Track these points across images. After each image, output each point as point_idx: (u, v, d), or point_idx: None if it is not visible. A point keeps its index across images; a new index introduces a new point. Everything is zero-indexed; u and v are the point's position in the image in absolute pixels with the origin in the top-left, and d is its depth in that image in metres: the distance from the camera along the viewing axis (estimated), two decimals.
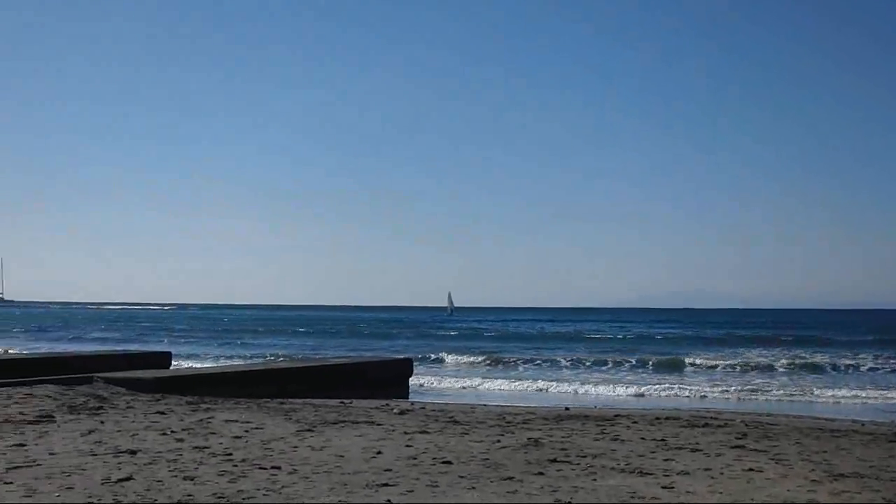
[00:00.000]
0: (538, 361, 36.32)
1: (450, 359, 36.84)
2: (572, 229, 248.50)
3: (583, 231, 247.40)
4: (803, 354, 40.29)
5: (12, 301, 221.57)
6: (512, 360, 36.82)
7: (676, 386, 25.62)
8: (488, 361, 35.93)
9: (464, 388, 25.07)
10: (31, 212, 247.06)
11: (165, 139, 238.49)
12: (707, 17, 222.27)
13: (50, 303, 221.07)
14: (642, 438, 10.86)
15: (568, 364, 35.23)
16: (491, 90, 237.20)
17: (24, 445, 9.33)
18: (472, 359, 36.68)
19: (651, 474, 8.09)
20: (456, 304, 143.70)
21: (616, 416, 14.08)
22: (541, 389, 24.97)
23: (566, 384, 26.59)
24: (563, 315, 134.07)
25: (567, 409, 16.32)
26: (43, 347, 43.28)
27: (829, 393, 24.26)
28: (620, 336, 60.07)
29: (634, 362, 36.01)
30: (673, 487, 7.46)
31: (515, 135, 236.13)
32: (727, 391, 24.55)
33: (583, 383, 26.70)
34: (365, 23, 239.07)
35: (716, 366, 34.29)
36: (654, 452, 9.60)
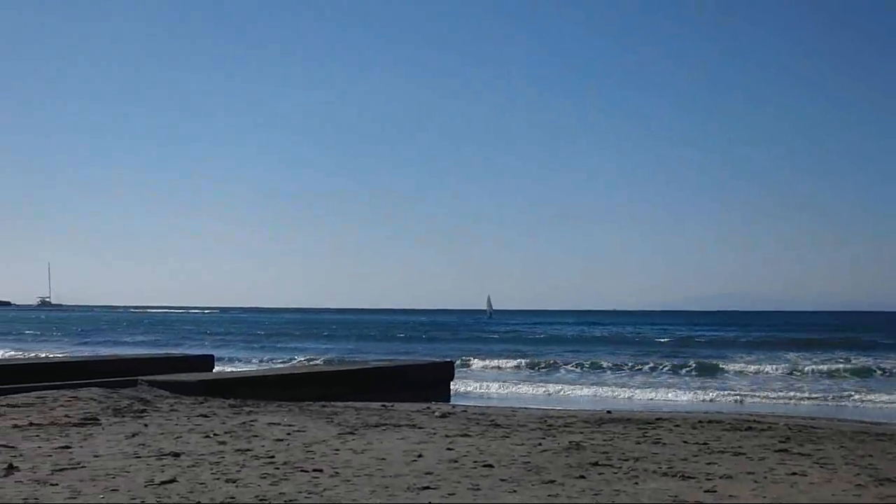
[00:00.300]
0: (580, 364, 36.17)
1: (491, 362, 36.74)
2: (612, 232, 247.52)
3: (621, 234, 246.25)
4: (847, 357, 39.88)
5: (60, 305, 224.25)
6: (554, 363, 36.68)
7: (718, 389, 25.44)
8: (530, 364, 35.83)
9: (505, 391, 24.99)
10: (78, 216, 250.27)
11: (199, 144, 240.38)
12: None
13: (95, 306, 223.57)
14: (684, 442, 10.78)
15: (610, 367, 35.05)
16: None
17: (69, 447, 9.43)
18: (513, 362, 36.58)
19: (693, 478, 8.03)
20: (495, 307, 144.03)
21: (658, 419, 13.98)
22: (583, 393, 24.84)
23: (608, 387, 26.49)
24: (604, 318, 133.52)
25: (609, 412, 16.24)
26: (87, 350, 43.65)
27: (874, 396, 23.99)
28: (663, 339, 59.70)
29: (676, 365, 35.75)
30: (715, 491, 7.41)
31: (537, 135, 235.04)
32: (770, 394, 24.33)
33: (624, 386, 26.56)
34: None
35: (758, 369, 33.98)
36: (696, 456, 9.54)
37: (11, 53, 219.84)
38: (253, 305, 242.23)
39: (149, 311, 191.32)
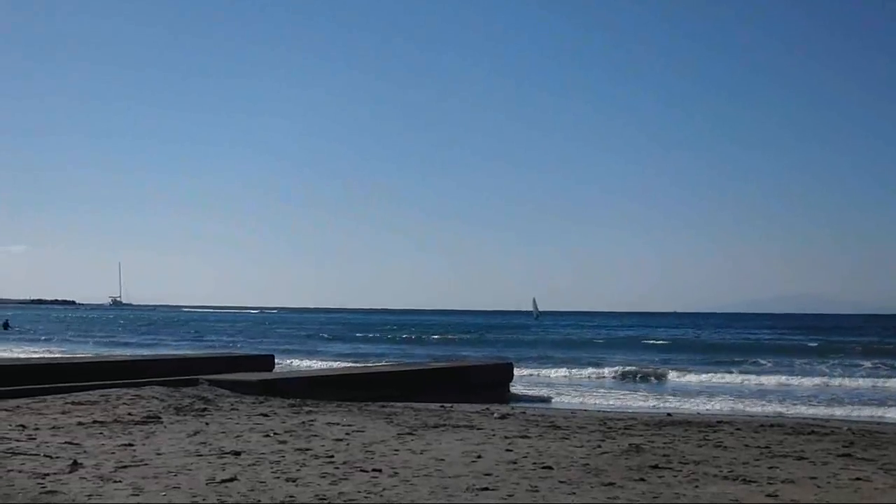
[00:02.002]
0: (637, 367, 35.88)
1: (548, 364, 36.52)
2: (669, 233, 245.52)
3: (681, 234, 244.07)
4: None
5: (130, 304, 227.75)
6: (611, 364, 36.38)
7: (777, 392, 25.13)
8: (587, 367, 35.52)
9: (563, 393, 24.85)
10: (149, 217, 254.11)
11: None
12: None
13: (162, 306, 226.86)
14: (746, 446, 10.67)
15: (670, 369, 34.68)
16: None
17: (131, 445, 9.55)
18: (569, 364, 36.30)
19: (755, 482, 7.94)
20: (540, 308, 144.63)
21: (719, 422, 13.86)
22: (643, 395, 24.63)
23: (670, 389, 26.27)
24: (661, 320, 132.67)
25: (669, 415, 16.13)
26: (151, 349, 44.21)
27: None
28: (725, 341, 59.03)
29: (737, 368, 35.33)
30: (777, 496, 7.32)
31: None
32: (833, 398, 23.96)
33: (683, 390, 26.32)
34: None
35: (821, 372, 33.46)
36: (757, 460, 9.43)
37: (85, 56, 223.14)
38: (314, 306, 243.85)
39: (212, 310, 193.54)
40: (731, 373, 32.60)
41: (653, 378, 30.83)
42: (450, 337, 65.90)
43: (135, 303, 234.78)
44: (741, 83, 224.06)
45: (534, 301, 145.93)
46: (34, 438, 9.84)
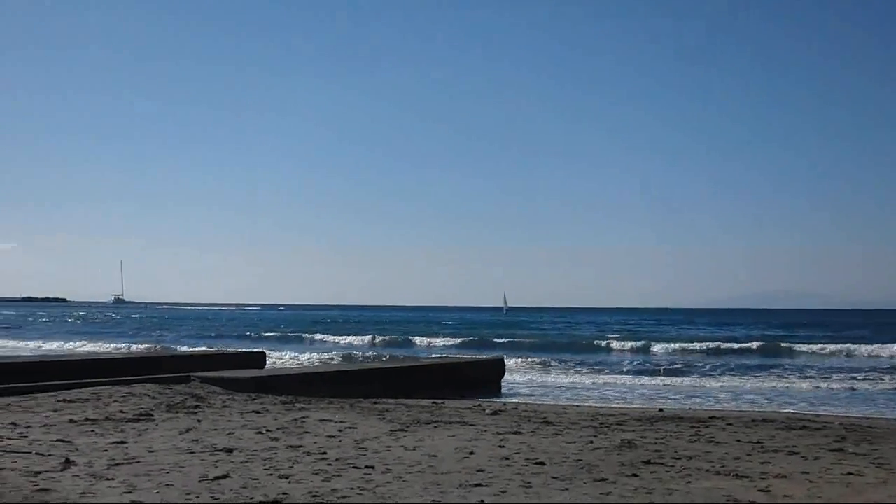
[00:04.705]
0: (618, 362, 35.93)
1: (527, 360, 36.43)
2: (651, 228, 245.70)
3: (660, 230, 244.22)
4: None
5: (132, 302, 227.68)
6: (591, 361, 36.39)
7: (769, 388, 25.17)
8: (571, 363, 35.46)
9: (553, 388, 24.87)
10: (148, 216, 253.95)
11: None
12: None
13: (163, 303, 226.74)
14: (738, 441, 10.71)
15: (654, 364, 34.71)
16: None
17: (124, 443, 9.55)
18: (550, 359, 36.22)
19: (747, 477, 7.97)
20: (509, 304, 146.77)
21: (711, 417, 13.91)
22: (630, 390, 24.65)
23: (657, 384, 26.29)
24: (625, 315, 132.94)
25: (661, 410, 16.18)
26: (144, 347, 44.15)
27: None
28: (704, 336, 58.99)
29: (722, 364, 35.35)
30: (770, 491, 7.34)
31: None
32: (823, 392, 24.02)
33: (673, 384, 26.35)
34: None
35: (809, 366, 33.53)
36: (749, 455, 9.46)
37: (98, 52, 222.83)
38: (314, 303, 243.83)
39: (212, 307, 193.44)
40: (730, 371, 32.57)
41: (642, 374, 30.80)
42: (433, 331, 65.64)
43: (137, 300, 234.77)
44: (760, 77, 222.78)
45: (504, 296, 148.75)
46: (26, 436, 9.82)
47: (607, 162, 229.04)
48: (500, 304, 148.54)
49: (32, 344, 48.06)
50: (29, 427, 10.58)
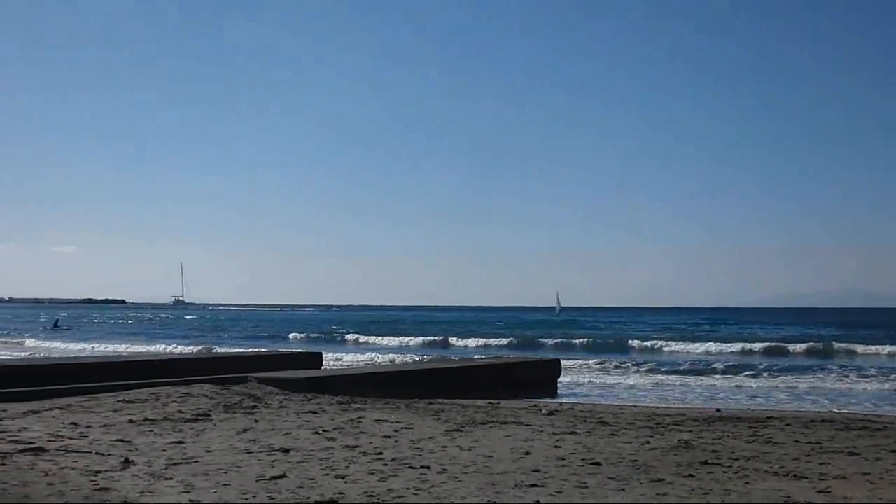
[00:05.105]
0: (674, 362, 35.60)
1: (587, 360, 36.26)
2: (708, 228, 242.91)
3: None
4: None
5: (192, 304, 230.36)
6: (652, 361, 36.12)
7: (828, 388, 24.82)
8: (627, 363, 35.21)
9: (610, 388, 24.73)
10: (209, 219, 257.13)
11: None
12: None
13: (219, 305, 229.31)
14: (796, 441, 10.58)
15: (715, 364, 34.36)
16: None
17: (182, 443, 9.63)
18: (607, 360, 36.01)
19: (806, 478, 7.86)
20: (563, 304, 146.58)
21: (769, 418, 13.75)
22: (689, 390, 24.43)
23: (714, 384, 26.06)
24: (678, 315, 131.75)
25: (718, 410, 16.02)
26: (203, 348, 44.57)
27: None
28: (761, 335, 58.31)
29: (779, 363, 34.93)
30: (829, 492, 7.24)
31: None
32: (885, 393, 23.64)
33: (730, 384, 26.08)
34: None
35: (869, 367, 32.97)
36: (808, 456, 9.34)
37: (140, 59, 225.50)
38: (363, 303, 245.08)
39: (270, 309, 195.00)
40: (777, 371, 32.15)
41: (700, 374, 30.51)
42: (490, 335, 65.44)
43: (197, 302, 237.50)
44: (798, 68, 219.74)
45: (557, 296, 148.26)
46: (86, 436, 9.95)
47: (656, 160, 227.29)
48: (553, 305, 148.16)
49: (81, 346, 48.66)
50: (89, 427, 10.72)
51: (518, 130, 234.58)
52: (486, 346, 49.60)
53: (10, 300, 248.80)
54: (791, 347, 44.84)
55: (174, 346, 47.02)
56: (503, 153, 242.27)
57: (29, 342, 52.75)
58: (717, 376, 28.90)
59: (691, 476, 7.91)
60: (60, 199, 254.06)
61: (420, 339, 54.28)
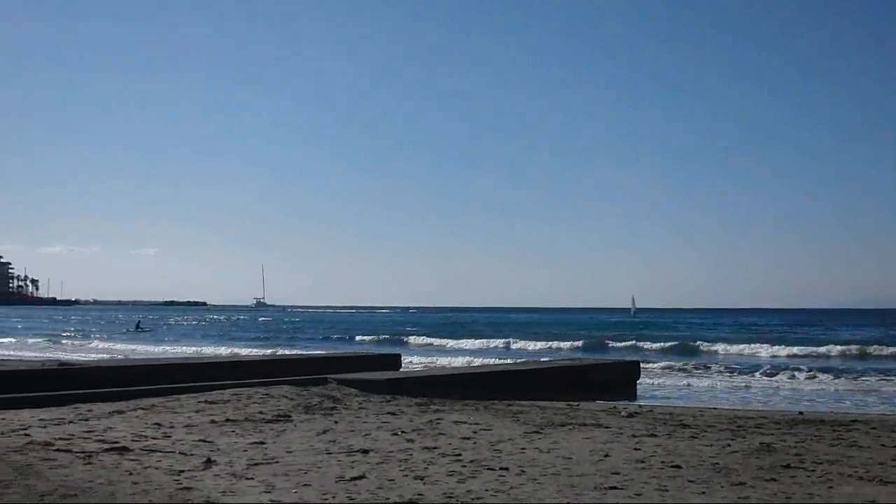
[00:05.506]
0: (755, 364, 35.06)
1: (666, 362, 35.87)
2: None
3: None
4: None
5: (273, 305, 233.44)
6: (731, 362, 35.63)
7: None
8: (706, 364, 34.77)
9: (690, 390, 24.46)
10: (287, 223, 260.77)
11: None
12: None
13: (299, 307, 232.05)
14: (882, 445, 10.36)
15: (796, 366, 33.78)
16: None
17: (263, 443, 9.74)
18: (686, 362, 35.59)
19: (893, 483, 7.70)
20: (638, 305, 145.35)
21: (853, 421, 13.49)
22: (773, 392, 24.08)
23: (796, 386, 25.66)
24: (756, 316, 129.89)
25: (801, 413, 15.76)
26: (281, 349, 45.01)
27: None
28: (844, 337, 57.13)
29: (864, 365, 34.20)
30: None
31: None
32: None
33: (812, 387, 25.66)
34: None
35: None
36: (895, 460, 9.15)
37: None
38: (434, 305, 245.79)
39: (349, 311, 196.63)
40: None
41: (781, 376, 30.04)
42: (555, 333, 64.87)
43: (278, 304, 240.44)
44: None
45: (632, 298, 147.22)
46: (169, 436, 10.11)
47: (724, 159, 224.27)
48: (628, 306, 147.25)
49: (160, 348, 49.37)
50: (172, 427, 10.89)
51: (589, 132, 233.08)
52: (559, 349, 49.33)
53: (95, 302, 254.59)
54: (876, 350, 43.90)
55: (249, 349, 47.37)
56: (566, 153, 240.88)
57: (111, 344, 53.73)
58: (799, 378, 28.41)
59: (773, 480, 7.80)
60: (142, 204, 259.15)
61: (494, 342, 54.23)
